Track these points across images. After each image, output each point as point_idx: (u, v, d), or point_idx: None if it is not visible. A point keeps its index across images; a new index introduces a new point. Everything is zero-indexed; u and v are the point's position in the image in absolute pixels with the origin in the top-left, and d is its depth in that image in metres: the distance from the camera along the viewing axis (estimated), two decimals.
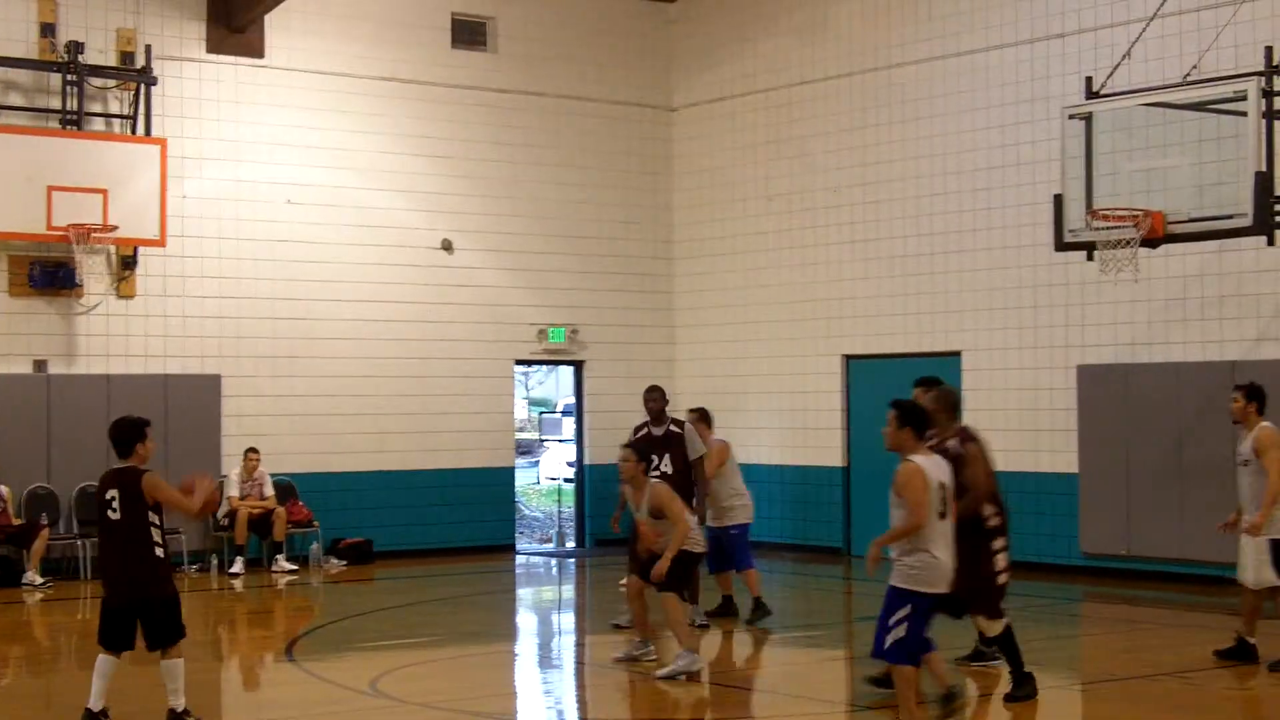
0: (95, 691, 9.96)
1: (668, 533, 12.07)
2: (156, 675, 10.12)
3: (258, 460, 19.12)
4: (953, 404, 11.38)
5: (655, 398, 14.32)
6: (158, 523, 9.90)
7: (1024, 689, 11.16)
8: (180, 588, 14.74)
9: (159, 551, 9.91)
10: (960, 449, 10.91)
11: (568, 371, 23.37)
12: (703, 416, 14.99)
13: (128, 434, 10.01)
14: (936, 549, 9.35)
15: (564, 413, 31.06)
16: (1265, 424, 12.38)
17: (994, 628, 11.26)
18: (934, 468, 9.46)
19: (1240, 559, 12.44)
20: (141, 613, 9.93)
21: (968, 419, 19.27)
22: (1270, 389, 16.49)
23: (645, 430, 14.15)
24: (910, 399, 10.12)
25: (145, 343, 19.25)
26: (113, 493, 9.91)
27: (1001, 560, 11.24)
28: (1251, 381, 12.78)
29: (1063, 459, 18.60)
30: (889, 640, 9.39)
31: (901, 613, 9.33)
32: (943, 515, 9.41)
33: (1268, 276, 16.94)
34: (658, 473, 13.24)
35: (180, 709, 9.99)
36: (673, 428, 14.19)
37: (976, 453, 11.05)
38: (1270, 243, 14.93)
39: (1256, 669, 12.22)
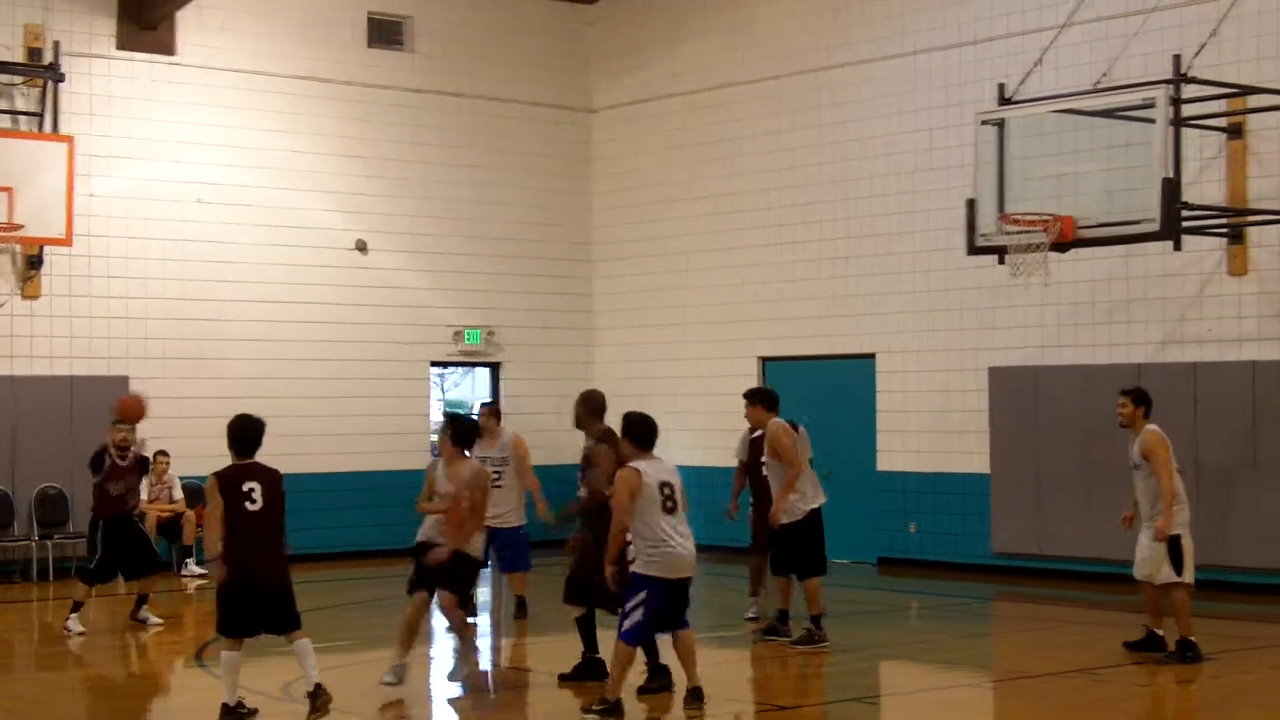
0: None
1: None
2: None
3: (167, 463, 18.91)
4: (593, 407, 11.86)
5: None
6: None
7: (656, 680, 11.34)
8: (88, 593, 14.74)
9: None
10: (591, 449, 11.49)
11: (485, 373, 23.29)
12: (492, 411, 15.44)
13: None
14: (673, 540, 10.38)
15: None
16: (1151, 427, 12.72)
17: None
18: (653, 470, 10.47)
19: (1137, 555, 12.73)
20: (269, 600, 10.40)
21: (881, 420, 19.62)
22: (1175, 392, 16.87)
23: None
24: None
25: (51, 344, 18.98)
26: (252, 485, 10.42)
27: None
28: (1138, 386, 13.15)
29: (975, 459, 18.79)
30: (627, 623, 10.40)
31: (639, 597, 10.35)
32: (670, 510, 10.42)
33: (1174, 281, 17.19)
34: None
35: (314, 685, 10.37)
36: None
37: (604, 452, 11.41)
38: (1177, 247, 15.17)
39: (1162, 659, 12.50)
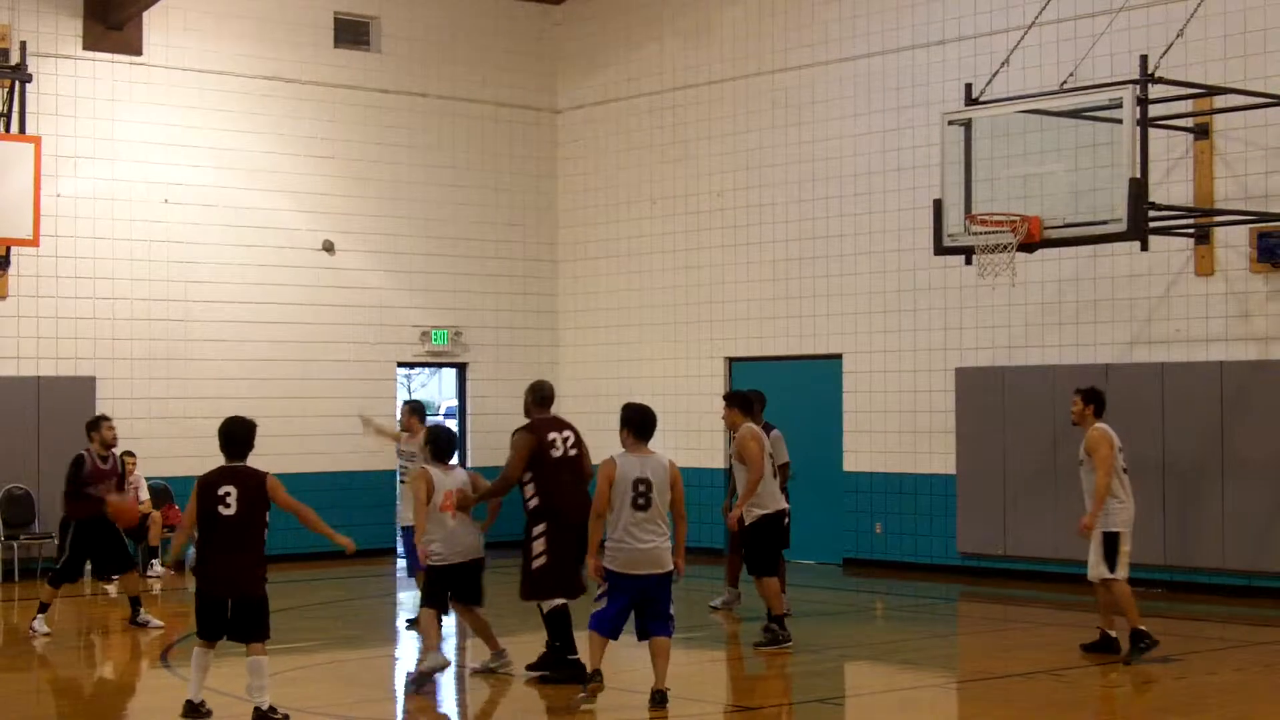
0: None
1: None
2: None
3: (134, 464, 18.81)
4: (539, 397, 12.07)
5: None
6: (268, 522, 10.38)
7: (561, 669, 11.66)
8: (54, 594, 14.65)
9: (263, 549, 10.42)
10: (513, 437, 11.87)
11: (451, 374, 23.25)
12: (414, 409, 15.40)
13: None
14: (631, 537, 10.59)
15: (446, 415, 30.95)
16: (1097, 425, 12.90)
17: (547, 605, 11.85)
18: (633, 464, 10.71)
19: (1089, 558, 12.88)
20: (235, 607, 10.30)
21: (847, 420, 19.64)
22: (1143, 392, 16.94)
23: None
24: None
25: (18, 344, 18.89)
26: (228, 489, 10.27)
27: (539, 545, 11.68)
28: (1091, 385, 13.32)
29: (940, 460, 18.83)
30: (594, 610, 10.79)
31: (603, 588, 10.73)
32: (641, 506, 10.59)
33: (1140, 281, 17.25)
34: None
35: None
36: None
37: (517, 441, 11.73)
38: (1144, 248, 15.22)
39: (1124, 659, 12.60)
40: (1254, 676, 12.36)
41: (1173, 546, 16.87)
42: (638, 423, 10.83)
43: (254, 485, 10.37)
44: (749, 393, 14.63)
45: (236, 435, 10.53)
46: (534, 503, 11.75)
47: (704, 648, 14.09)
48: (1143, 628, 12.70)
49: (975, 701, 11.81)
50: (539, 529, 11.72)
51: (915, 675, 12.30)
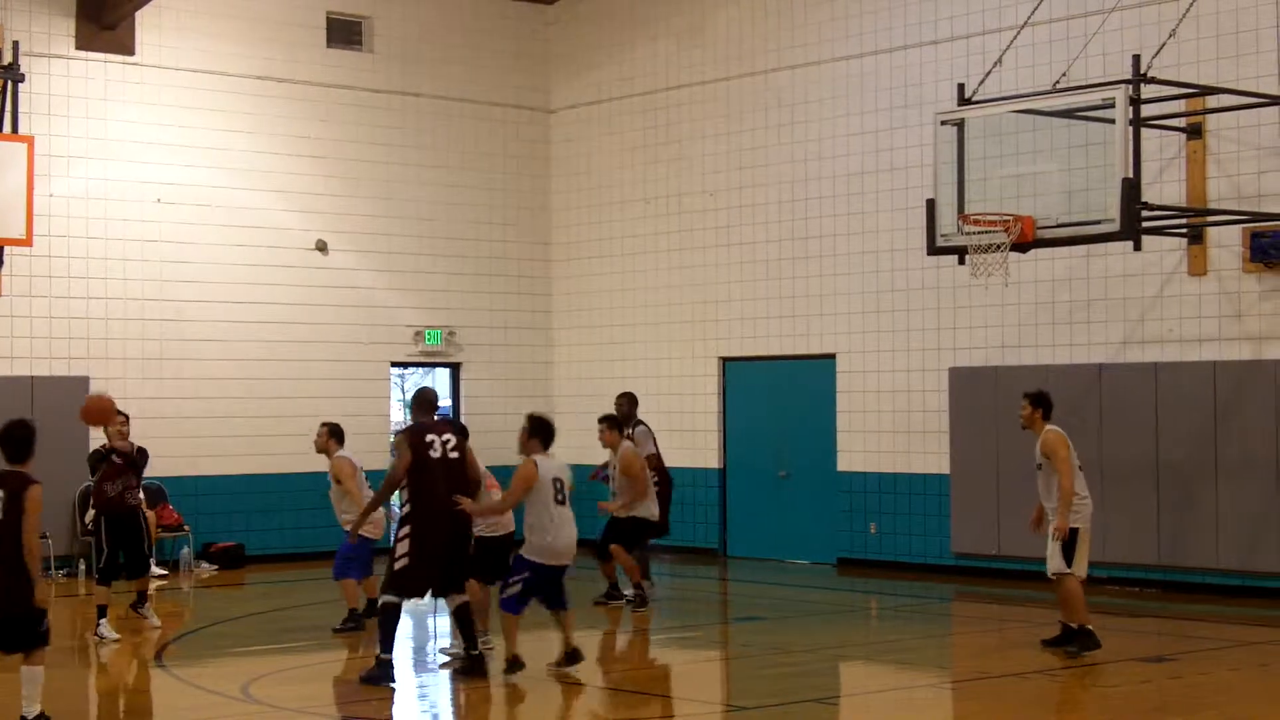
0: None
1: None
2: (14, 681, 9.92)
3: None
4: (421, 402, 12.59)
5: (623, 403, 16.72)
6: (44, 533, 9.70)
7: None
8: (48, 593, 14.62)
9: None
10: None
11: (444, 374, 23.24)
12: (332, 431, 15.37)
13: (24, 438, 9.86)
14: (560, 531, 11.99)
15: (440, 415, 30.89)
16: (1051, 427, 13.12)
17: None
18: (548, 465, 12.09)
19: (1047, 554, 13.04)
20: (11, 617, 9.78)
21: (841, 420, 19.65)
22: (1136, 392, 16.97)
23: None
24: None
25: (11, 344, 18.86)
26: None
27: (403, 546, 11.96)
28: (1039, 389, 13.55)
29: (934, 460, 18.84)
30: (506, 592, 12.07)
31: (520, 575, 12.01)
32: (560, 502, 12.00)
33: (1134, 281, 17.27)
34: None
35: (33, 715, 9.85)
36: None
37: (399, 441, 12.32)
38: (1137, 248, 15.24)
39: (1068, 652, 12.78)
40: (1249, 676, 12.38)
41: (1166, 546, 16.89)
42: (545, 433, 12.19)
43: (17, 490, 9.70)
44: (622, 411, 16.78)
45: (12, 438, 9.90)
46: (406, 507, 12.11)
47: (699, 648, 14.10)
48: (1090, 627, 12.90)
49: (971, 701, 11.83)
50: (404, 530, 11.91)
51: (910, 675, 12.30)
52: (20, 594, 9.73)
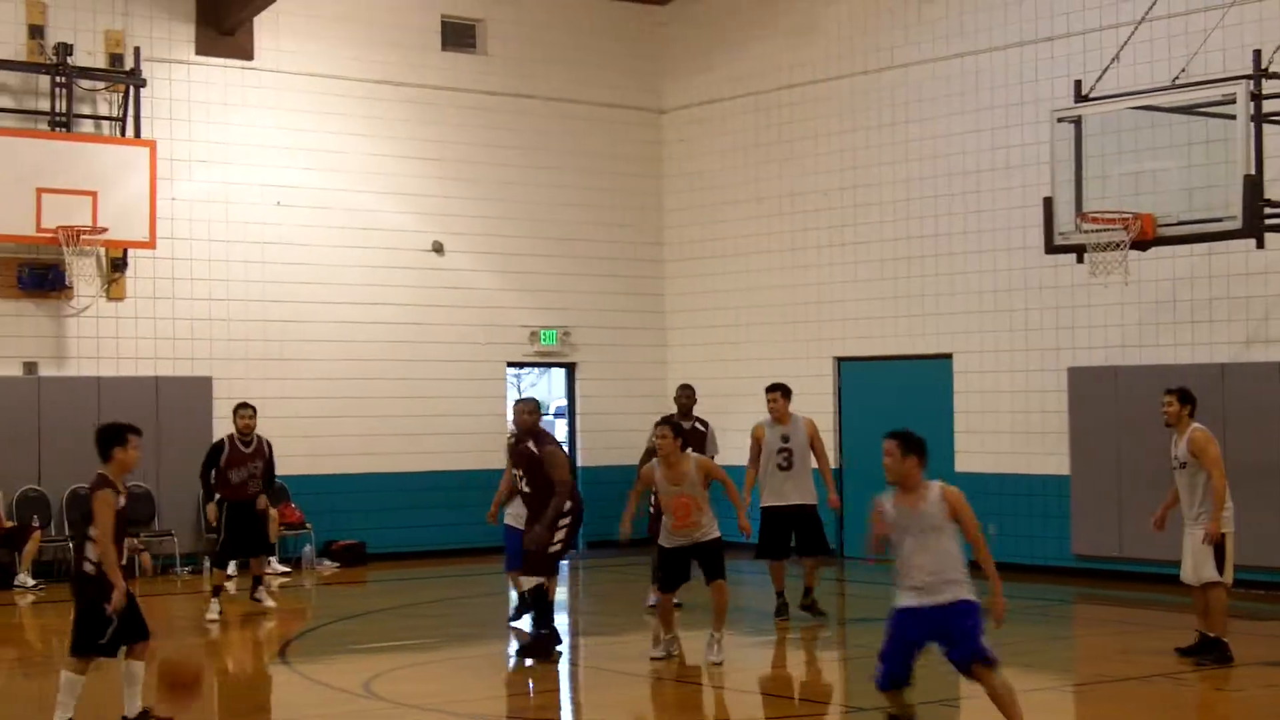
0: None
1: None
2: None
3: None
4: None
5: (685, 394, 15.77)
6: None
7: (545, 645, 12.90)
8: (172, 589, 14.93)
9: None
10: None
11: (560, 374, 23.38)
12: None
13: (102, 438, 9.91)
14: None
15: (556, 415, 31.05)
16: (1197, 425, 12.58)
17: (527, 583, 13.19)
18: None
19: (1183, 559, 12.67)
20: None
21: (958, 420, 19.49)
22: (1260, 393, 16.69)
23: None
24: None
25: (136, 345, 19.23)
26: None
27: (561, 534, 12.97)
28: (1182, 386, 12.88)
29: (1054, 461, 18.64)
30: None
31: None
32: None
33: (1257, 279, 16.99)
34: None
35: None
36: (697, 425, 15.40)
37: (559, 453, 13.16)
38: (1259, 245, 14.97)
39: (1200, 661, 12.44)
40: None
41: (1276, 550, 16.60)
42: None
43: (88, 495, 9.85)
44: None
45: (96, 438, 9.94)
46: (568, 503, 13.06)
47: (818, 649, 14.07)
48: (1226, 640, 12.45)
49: (1094, 704, 11.72)
50: (564, 521, 12.96)
51: (1033, 678, 12.17)
52: (83, 592, 9.73)
